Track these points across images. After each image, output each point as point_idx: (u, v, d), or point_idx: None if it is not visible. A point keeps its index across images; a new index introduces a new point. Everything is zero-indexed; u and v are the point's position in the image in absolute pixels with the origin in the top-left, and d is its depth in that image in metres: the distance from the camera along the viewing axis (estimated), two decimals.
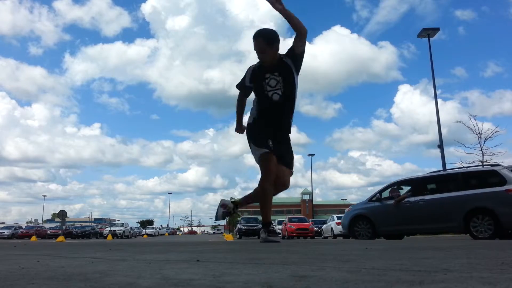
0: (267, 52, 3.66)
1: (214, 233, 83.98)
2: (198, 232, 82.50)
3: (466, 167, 8.96)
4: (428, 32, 23.64)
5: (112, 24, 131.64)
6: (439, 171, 9.62)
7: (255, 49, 3.70)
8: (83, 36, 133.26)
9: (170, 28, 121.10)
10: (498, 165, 8.44)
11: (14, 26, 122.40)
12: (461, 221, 7.50)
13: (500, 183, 7.33)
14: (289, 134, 4.05)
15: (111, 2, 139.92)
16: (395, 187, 9.09)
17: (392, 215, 8.52)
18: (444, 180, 8.60)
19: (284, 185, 3.98)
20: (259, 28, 3.80)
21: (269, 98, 3.78)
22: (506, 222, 7.03)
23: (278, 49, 3.70)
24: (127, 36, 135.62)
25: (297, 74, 3.78)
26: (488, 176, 7.73)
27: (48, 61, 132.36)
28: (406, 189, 9.04)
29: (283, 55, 3.75)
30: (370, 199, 9.29)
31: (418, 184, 8.70)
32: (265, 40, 3.66)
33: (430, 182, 8.69)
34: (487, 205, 7.25)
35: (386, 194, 8.99)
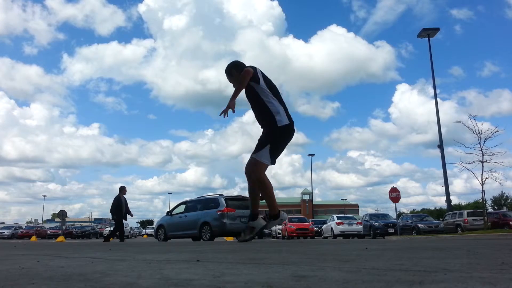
0: (231, 81, 4.47)
1: None
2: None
3: (207, 195, 12.91)
4: (428, 32, 23.60)
5: (107, 23, 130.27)
6: (200, 196, 13.49)
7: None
8: (77, 35, 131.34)
9: (167, 27, 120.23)
10: (221, 195, 12.14)
11: (7, 25, 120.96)
12: (198, 229, 11.58)
13: (217, 206, 11.52)
14: None
15: (105, 0, 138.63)
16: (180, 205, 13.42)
17: (173, 225, 12.80)
18: (197, 203, 12.63)
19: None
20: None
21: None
22: (215, 231, 11.19)
23: (237, 72, 4.34)
24: (123, 35, 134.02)
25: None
26: (214, 202, 11.80)
27: (43, 61, 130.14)
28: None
29: None
30: (167, 214, 13.48)
31: (188, 204, 13.00)
32: (226, 74, 4.51)
33: (193, 204, 12.86)
34: (207, 220, 11.49)
35: (177, 210, 13.13)
